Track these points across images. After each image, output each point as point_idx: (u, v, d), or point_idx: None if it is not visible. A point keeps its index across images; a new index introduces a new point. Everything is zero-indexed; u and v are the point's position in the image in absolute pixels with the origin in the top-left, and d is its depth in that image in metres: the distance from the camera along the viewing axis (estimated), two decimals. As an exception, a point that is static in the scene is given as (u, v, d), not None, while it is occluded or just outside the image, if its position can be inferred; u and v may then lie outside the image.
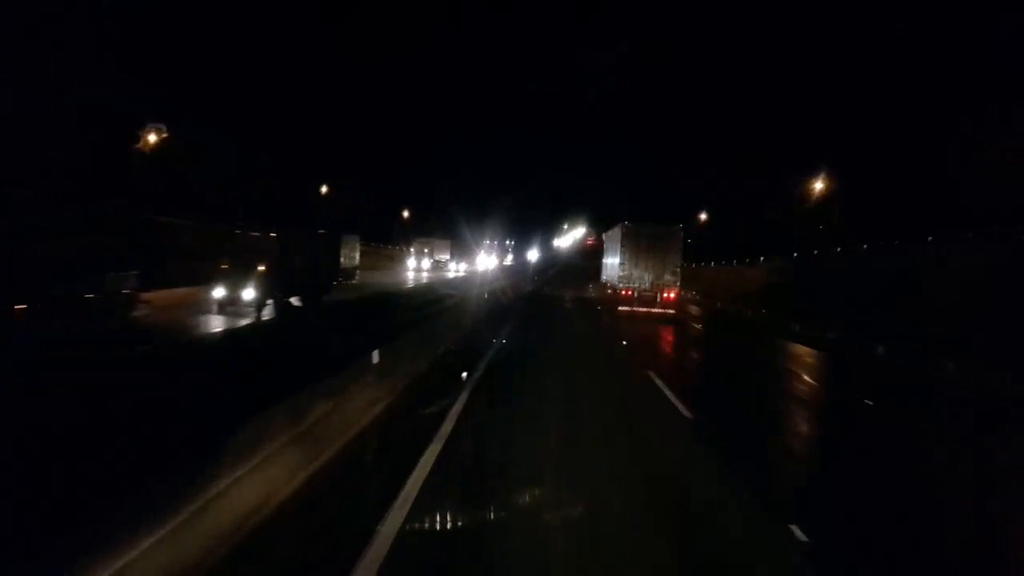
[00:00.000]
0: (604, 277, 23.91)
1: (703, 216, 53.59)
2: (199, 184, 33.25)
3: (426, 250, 48.90)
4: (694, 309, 27.92)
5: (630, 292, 18.17)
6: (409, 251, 50.08)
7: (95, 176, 28.39)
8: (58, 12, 29.43)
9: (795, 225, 37.02)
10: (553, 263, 73.05)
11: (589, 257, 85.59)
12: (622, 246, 18.03)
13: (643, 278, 18.01)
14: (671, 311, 18.36)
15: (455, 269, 47.23)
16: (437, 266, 47.04)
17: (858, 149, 36.04)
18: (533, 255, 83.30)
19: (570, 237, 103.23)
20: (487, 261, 54.90)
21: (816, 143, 36.56)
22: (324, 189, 45.91)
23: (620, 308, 18.28)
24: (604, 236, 25.43)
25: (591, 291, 28.81)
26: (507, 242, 72.05)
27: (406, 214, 63.99)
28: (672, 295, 18.22)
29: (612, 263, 20.94)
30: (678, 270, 18.15)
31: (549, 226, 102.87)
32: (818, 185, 30.66)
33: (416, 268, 46.58)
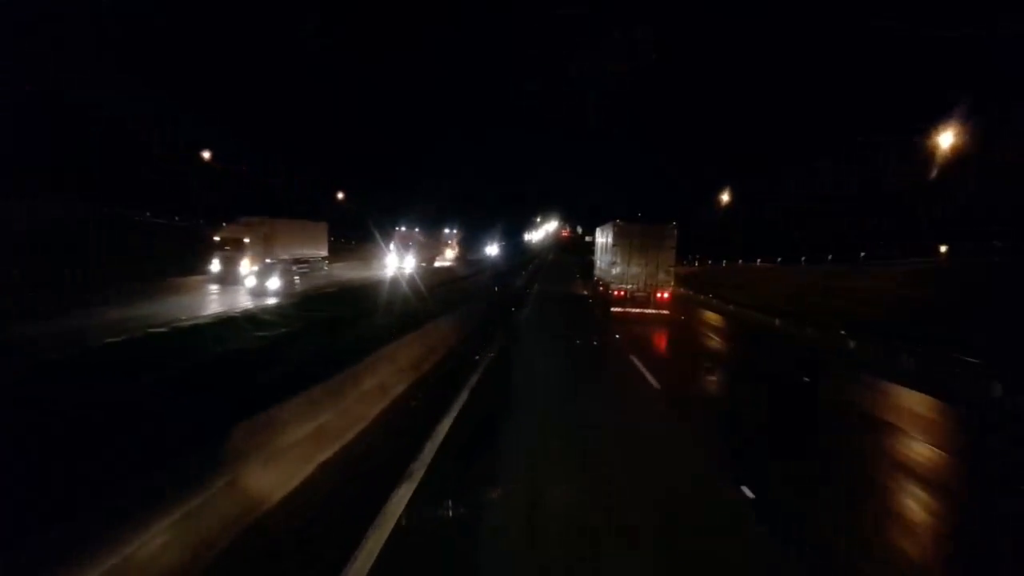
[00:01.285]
0: (596, 274, 23.81)
1: (725, 197, 43.77)
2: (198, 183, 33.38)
3: (247, 240, 22.65)
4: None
5: (623, 292, 17.98)
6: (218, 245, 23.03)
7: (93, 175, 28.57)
8: (58, 11, 29.63)
9: (792, 226, 36.91)
10: (525, 260, 53.90)
11: (569, 251, 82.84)
12: (614, 245, 17.87)
13: (637, 278, 17.86)
14: (665, 311, 18.24)
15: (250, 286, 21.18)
16: (263, 277, 21.51)
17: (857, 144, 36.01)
18: (492, 250, 62.78)
19: (543, 230, 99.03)
20: (400, 261, 33.19)
21: (815, 142, 36.51)
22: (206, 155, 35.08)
23: (613, 309, 18.14)
24: (596, 232, 24.82)
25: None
26: (447, 231, 47.95)
27: (340, 195, 49.82)
28: (666, 295, 18.08)
29: (604, 262, 20.78)
30: (672, 269, 17.97)
31: (518, 218, 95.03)
32: (946, 139, 20.93)
33: (223, 278, 22.03)
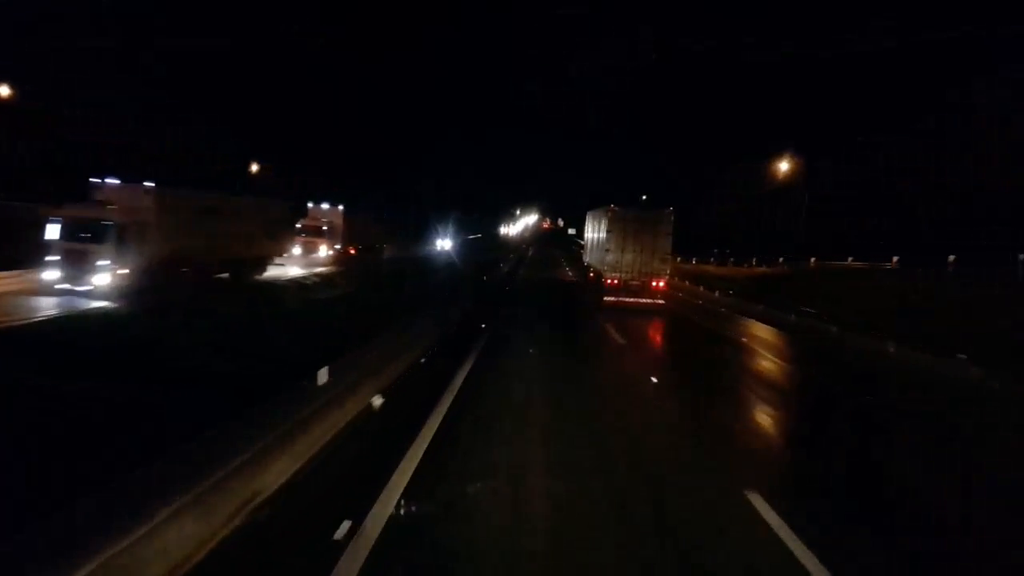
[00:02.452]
0: (586, 261, 23.43)
1: (784, 166, 33.39)
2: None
3: None
4: None
5: (616, 281, 17.61)
6: None
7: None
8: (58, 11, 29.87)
9: (790, 226, 36.60)
10: (496, 259, 35.97)
11: (552, 244, 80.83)
12: (608, 231, 17.48)
13: (631, 266, 17.53)
14: (660, 301, 17.93)
15: None
16: None
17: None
18: (445, 244, 43.68)
19: (522, 223, 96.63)
20: (69, 276, 13.64)
21: (817, 140, 36.40)
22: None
23: (606, 299, 17.81)
24: (587, 218, 23.51)
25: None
26: (324, 207, 28.14)
27: (255, 168, 39.11)
28: (662, 284, 17.74)
29: (596, 249, 20.31)
30: (668, 257, 17.62)
31: (504, 212, 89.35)
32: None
33: None
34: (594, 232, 21.12)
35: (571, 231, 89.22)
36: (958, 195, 32.18)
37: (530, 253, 52.20)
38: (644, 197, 36.49)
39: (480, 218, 67.13)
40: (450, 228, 44.53)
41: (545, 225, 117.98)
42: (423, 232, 43.01)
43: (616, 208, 17.73)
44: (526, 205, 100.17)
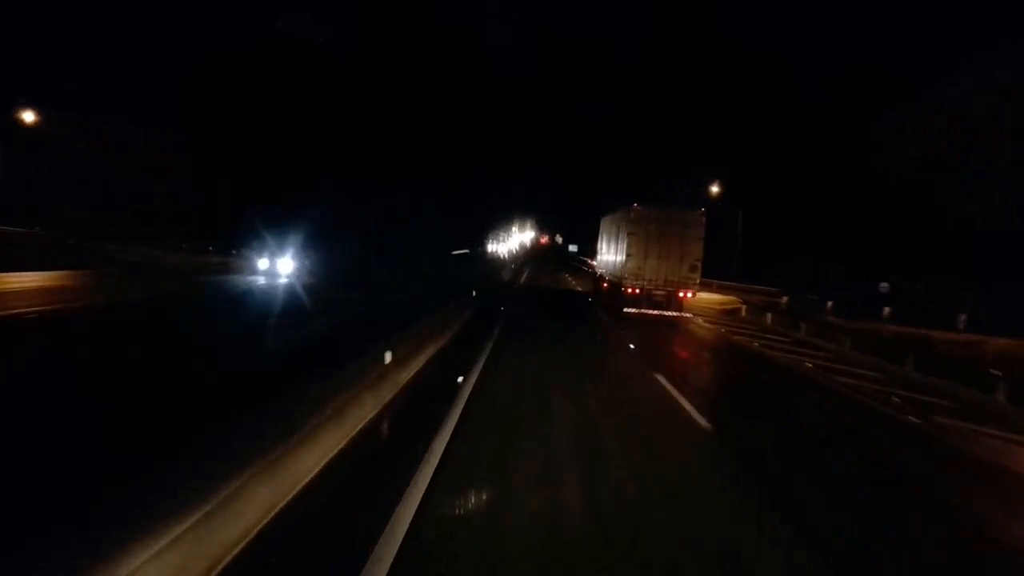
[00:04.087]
0: (600, 270, 21.15)
1: None
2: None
3: None
4: None
5: (637, 290, 15.47)
6: None
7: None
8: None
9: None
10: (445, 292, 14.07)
11: (561, 265, 75.33)
12: (630, 233, 15.36)
13: (656, 273, 15.35)
14: (688, 315, 15.80)
15: None
16: None
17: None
18: (285, 263, 19.08)
19: (517, 239, 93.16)
20: None
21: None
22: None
23: (626, 310, 15.62)
24: (602, 222, 21.12)
25: None
26: None
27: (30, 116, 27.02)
28: (691, 295, 15.61)
29: (612, 254, 18.44)
30: (699, 264, 15.45)
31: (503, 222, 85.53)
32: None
33: None
34: (611, 237, 19.05)
35: (572, 248, 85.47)
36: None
37: (524, 276, 34.23)
38: (716, 189, 31.63)
39: (484, 222, 59.54)
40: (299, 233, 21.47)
41: (543, 241, 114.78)
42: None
43: (639, 207, 15.62)
44: (523, 218, 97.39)
